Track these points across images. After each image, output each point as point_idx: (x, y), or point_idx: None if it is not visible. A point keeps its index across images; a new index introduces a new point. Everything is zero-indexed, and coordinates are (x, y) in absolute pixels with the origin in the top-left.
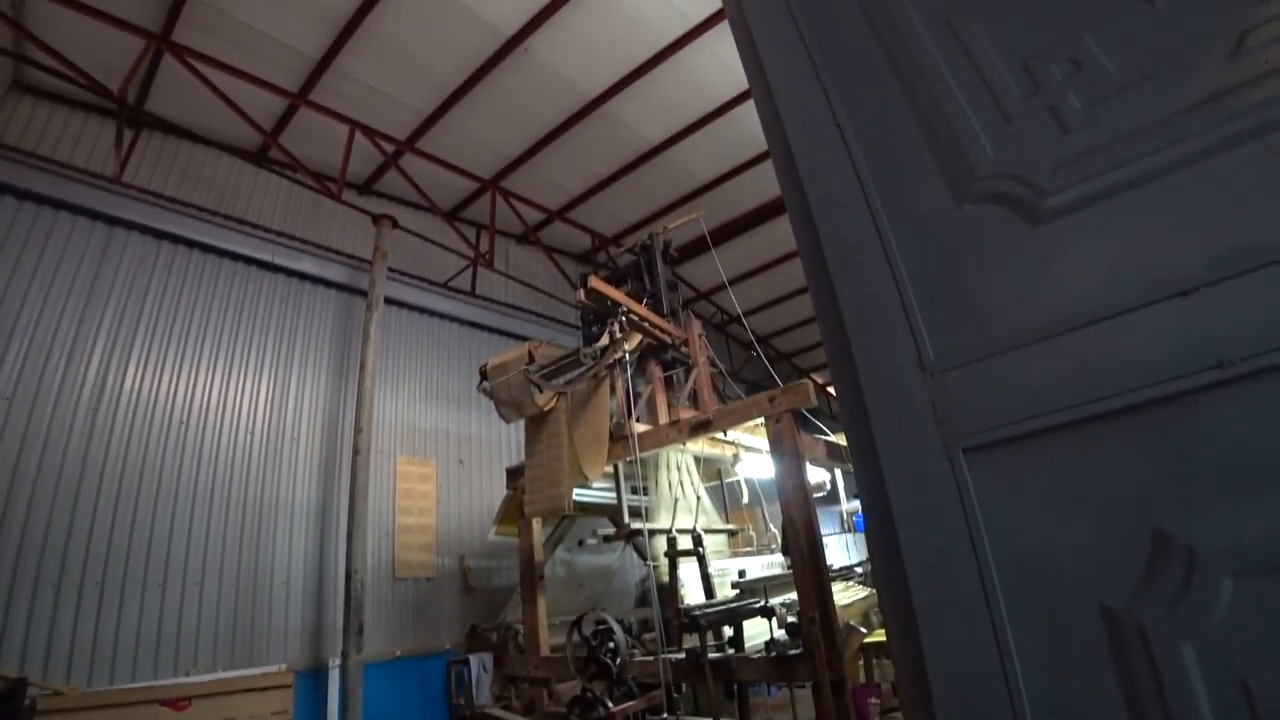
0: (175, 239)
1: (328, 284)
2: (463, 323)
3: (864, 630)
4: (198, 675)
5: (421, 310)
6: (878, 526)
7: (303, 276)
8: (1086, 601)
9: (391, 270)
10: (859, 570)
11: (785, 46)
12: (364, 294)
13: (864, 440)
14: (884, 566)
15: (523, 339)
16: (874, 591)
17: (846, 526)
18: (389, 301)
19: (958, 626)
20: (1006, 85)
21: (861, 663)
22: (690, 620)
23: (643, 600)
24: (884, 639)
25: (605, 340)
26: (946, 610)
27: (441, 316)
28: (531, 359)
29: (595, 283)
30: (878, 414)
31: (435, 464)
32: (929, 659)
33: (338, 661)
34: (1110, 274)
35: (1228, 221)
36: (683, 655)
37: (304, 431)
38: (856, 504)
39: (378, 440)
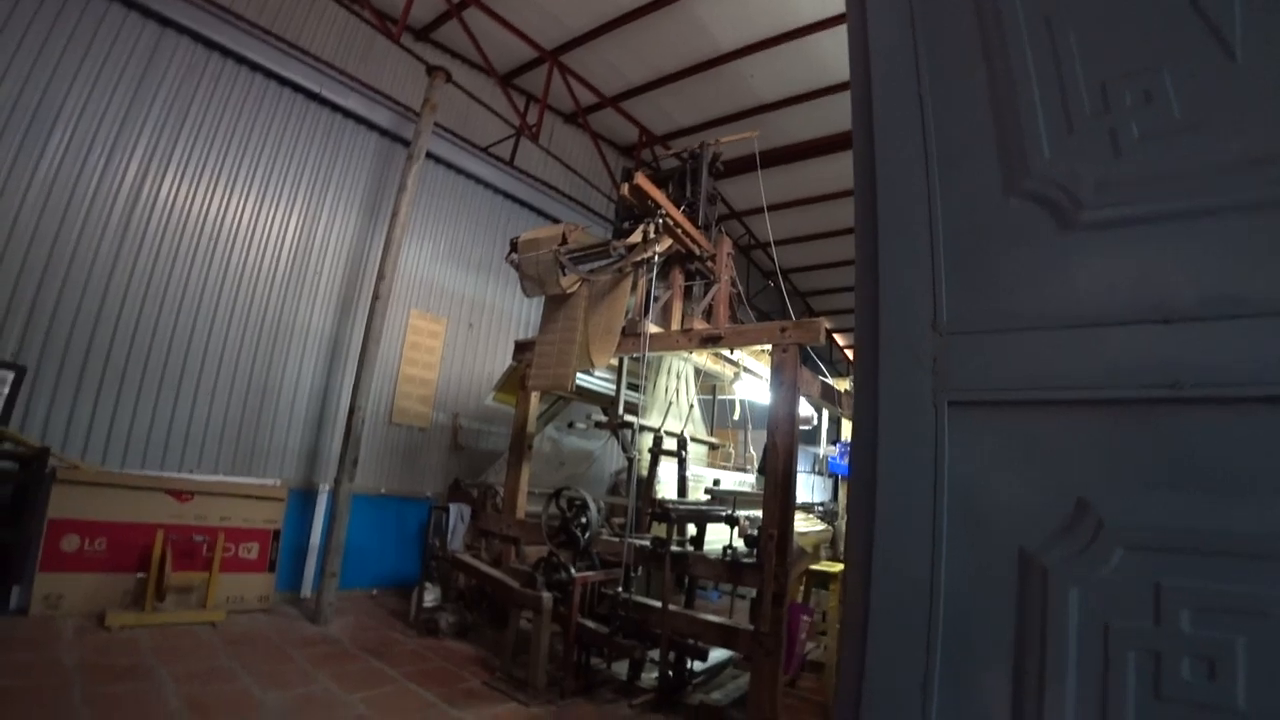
0: (225, 52)
1: (370, 126)
2: (496, 191)
3: (812, 556)
4: (200, 474)
5: (459, 171)
6: (864, 449)
7: (347, 114)
8: (1009, 541)
9: (436, 125)
10: (819, 508)
11: (892, 6)
12: (405, 143)
13: (871, 376)
14: (859, 482)
15: (553, 219)
16: (829, 528)
17: (818, 468)
18: (429, 156)
19: (906, 538)
20: (1081, 98)
21: (803, 586)
22: (663, 511)
23: (614, 490)
24: (828, 569)
25: (637, 238)
26: (900, 525)
27: (477, 181)
28: (565, 241)
29: (640, 180)
30: (888, 357)
31: (446, 323)
32: (875, 561)
33: (328, 487)
34: (1111, 289)
35: (1221, 271)
36: (648, 542)
37: (327, 266)
38: (832, 448)
39: (396, 290)
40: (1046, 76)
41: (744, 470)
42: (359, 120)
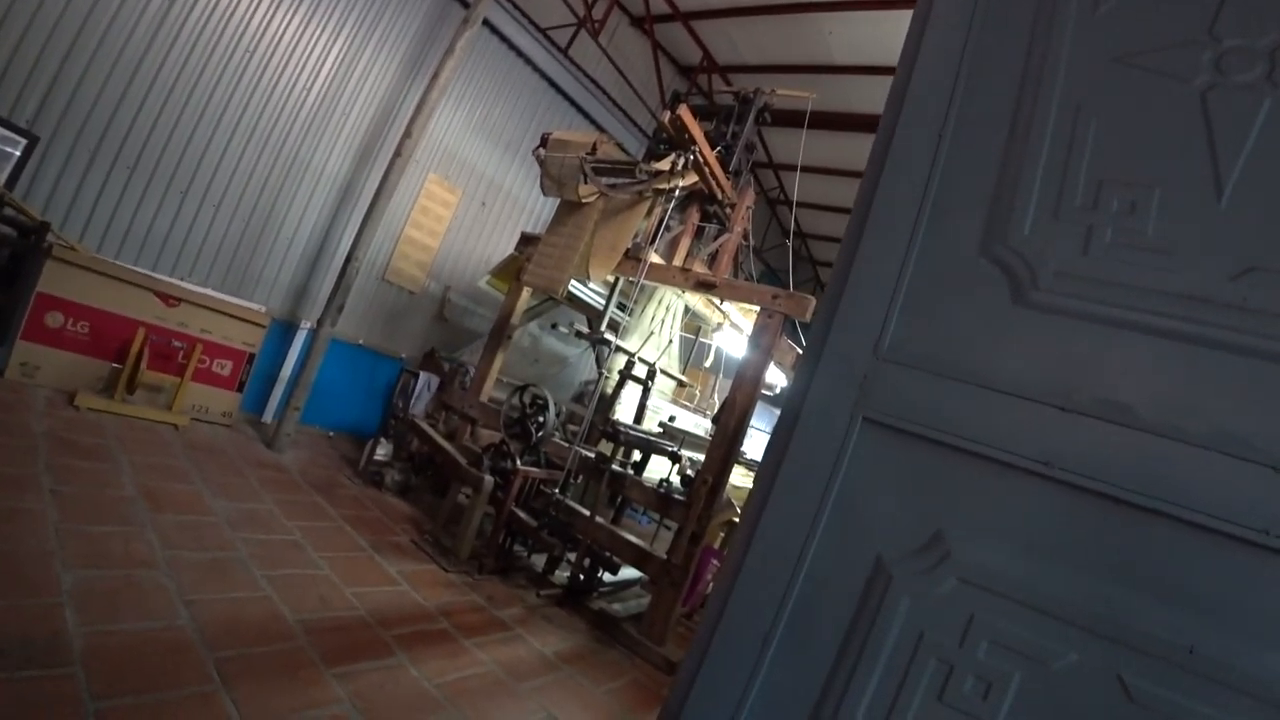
0: None
1: None
2: (544, 77)
3: (738, 510)
4: (190, 283)
5: (511, 46)
6: (782, 432)
7: None
8: (872, 546)
9: None
10: None
11: (947, 39)
12: (464, 3)
13: (809, 374)
14: (768, 460)
15: (594, 121)
16: None
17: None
18: (484, 24)
19: (790, 518)
20: (1076, 190)
21: (723, 534)
22: (614, 431)
23: (578, 399)
24: None
25: (664, 165)
26: (789, 505)
27: (527, 61)
28: (594, 150)
29: (683, 111)
30: (829, 363)
31: (461, 195)
32: (759, 527)
33: (310, 325)
34: (1032, 366)
35: (1123, 381)
36: (593, 455)
37: (356, 110)
38: None
39: (420, 151)
40: (1055, 159)
41: (702, 414)
42: None
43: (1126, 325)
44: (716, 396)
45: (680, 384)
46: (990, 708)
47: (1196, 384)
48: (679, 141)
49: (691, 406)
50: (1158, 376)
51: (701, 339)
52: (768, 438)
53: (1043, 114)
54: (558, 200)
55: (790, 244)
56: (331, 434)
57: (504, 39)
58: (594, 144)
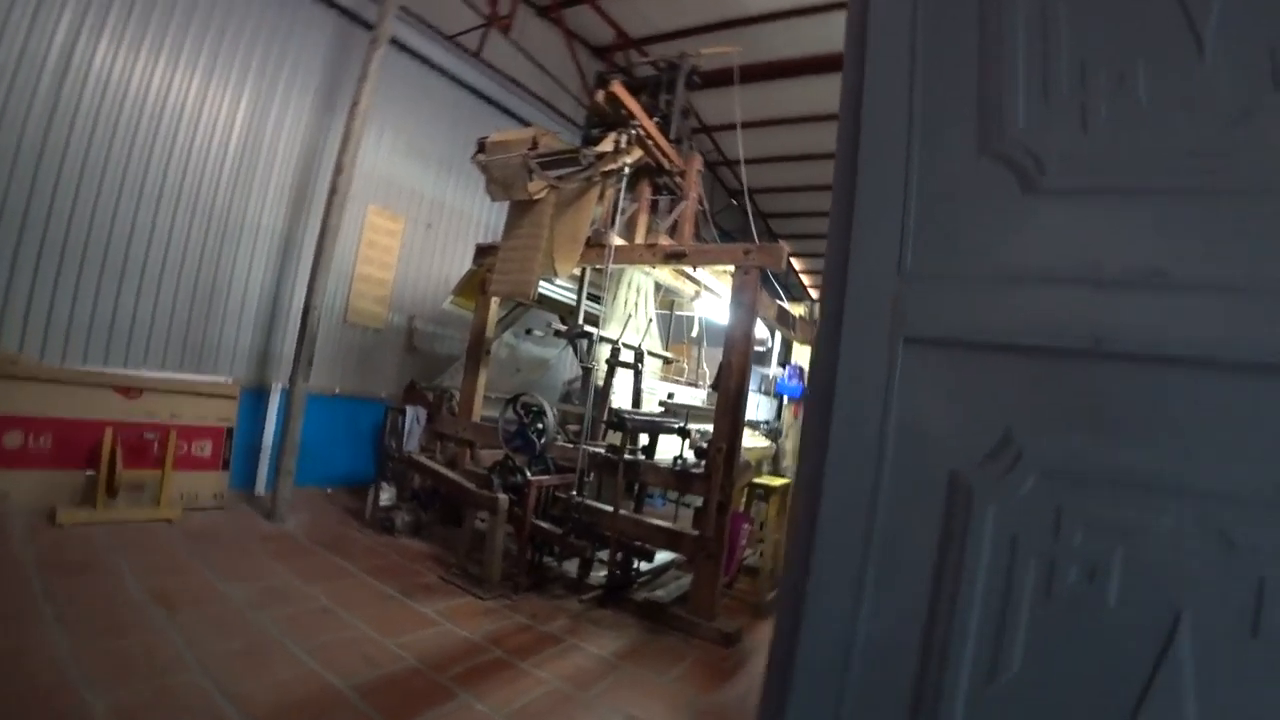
0: None
1: (329, 3)
2: (462, 85)
3: (755, 469)
4: (147, 370)
5: (423, 60)
6: (824, 374)
7: None
8: (943, 463)
9: (401, 9)
10: (765, 425)
11: None
12: (366, 25)
13: (836, 310)
14: (816, 403)
15: (519, 119)
16: (772, 445)
17: (765, 389)
18: (391, 42)
19: (854, 456)
20: (1060, 73)
21: (745, 497)
22: (619, 420)
23: (566, 398)
24: (769, 483)
25: (607, 146)
26: (851, 444)
27: (442, 73)
28: (535, 145)
29: (617, 88)
30: (854, 294)
31: (405, 221)
32: (826, 474)
33: (281, 386)
34: (1058, 251)
35: (1150, 245)
36: (602, 449)
37: (280, 156)
38: (781, 370)
39: (354, 185)
40: (1033, 48)
41: (695, 386)
42: None
43: (1139, 192)
44: (706, 366)
45: (666, 361)
46: (1098, 589)
47: (1220, 234)
48: (617, 119)
49: (684, 380)
50: (1180, 235)
51: (678, 312)
52: (807, 386)
53: (1010, 7)
54: (507, 204)
55: (748, 201)
56: (329, 490)
57: (414, 54)
58: (533, 139)
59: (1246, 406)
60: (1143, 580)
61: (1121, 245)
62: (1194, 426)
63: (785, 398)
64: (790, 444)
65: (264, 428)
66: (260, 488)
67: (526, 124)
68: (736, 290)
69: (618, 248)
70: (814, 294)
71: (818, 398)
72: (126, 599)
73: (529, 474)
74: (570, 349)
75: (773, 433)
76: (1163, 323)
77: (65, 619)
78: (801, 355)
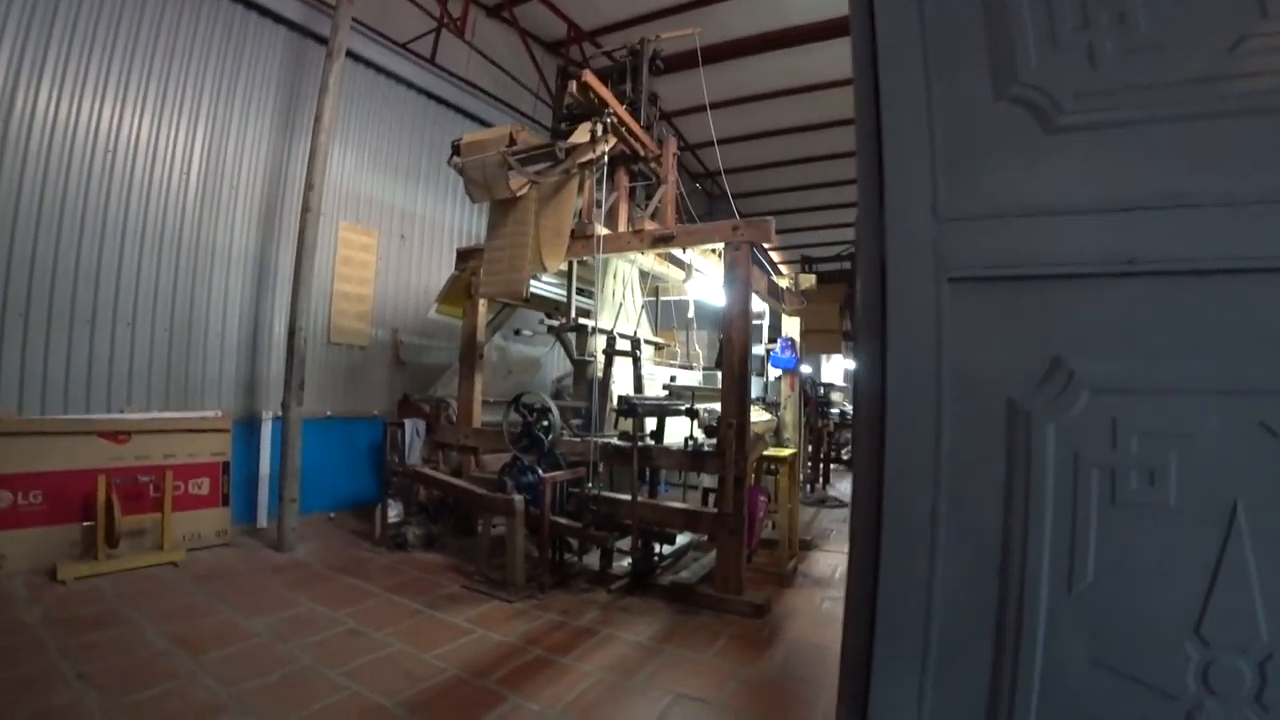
0: None
1: (278, 19)
2: (420, 92)
3: (764, 442)
4: (132, 413)
5: (379, 70)
6: (872, 321)
7: (249, 4)
8: (999, 392)
9: (354, 20)
10: (763, 399)
11: None
12: (317, 38)
13: (877, 259)
14: (866, 351)
15: (481, 121)
16: (773, 418)
17: (757, 369)
18: (347, 55)
19: (913, 397)
20: (1064, 14)
21: (754, 471)
22: (629, 407)
23: (558, 395)
24: (778, 454)
25: (583, 137)
26: (908, 386)
27: (398, 80)
28: (513, 141)
29: (589, 77)
30: (894, 241)
31: (378, 235)
32: (888, 416)
33: (272, 414)
34: (1083, 183)
35: (1165, 170)
36: (611, 439)
37: (244, 180)
38: (773, 345)
39: (325, 203)
40: None
41: (691, 368)
42: (264, 12)
43: (1151, 121)
44: (697, 346)
45: (658, 346)
46: (1159, 492)
47: (1231, 155)
48: (590, 109)
49: (677, 363)
50: (1195, 158)
51: (664, 297)
52: (855, 335)
53: None
54: (481, 208)
55: (721, 185)
56: (332, 515)
57: (370, 64)
58: (510, 135)
59: (1271, 308)
60: (1198, 478)
61: (1141, 171)
62: (1226, 331)
63: (783, 371)
64: (789, 415)
65: (259, 458)
66: (263, 519)
67: (486, 124)
68: (729, 266)
69: (605, 237)
70: (784, 269)
71: (868, 345)
72: (147, 648)
73: (541, 472)
74: (560, 345)
75: (771, 406)
76: (1186, 238)
77: (89, 676)
78: (790, 327)
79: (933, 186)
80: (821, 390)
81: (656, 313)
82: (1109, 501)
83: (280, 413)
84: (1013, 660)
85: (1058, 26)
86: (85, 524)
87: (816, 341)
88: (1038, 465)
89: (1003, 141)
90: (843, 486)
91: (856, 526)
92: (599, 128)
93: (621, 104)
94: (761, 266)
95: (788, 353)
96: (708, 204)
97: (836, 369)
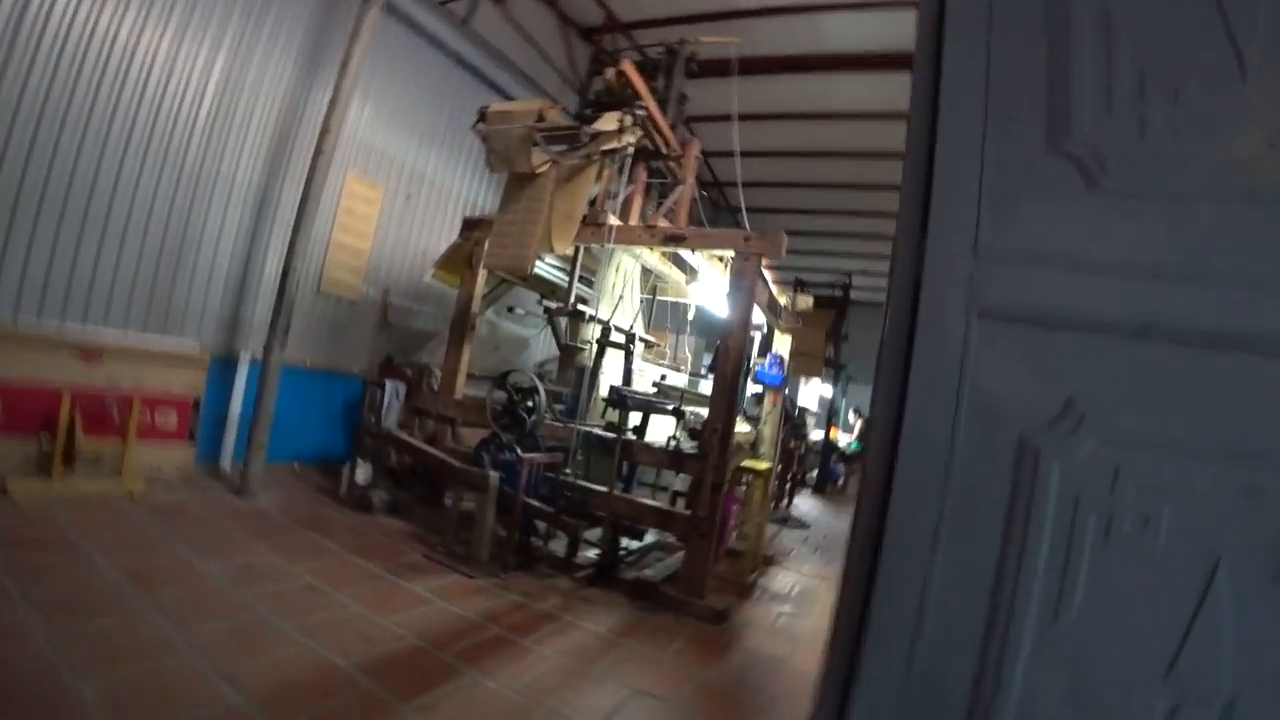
0: None
1: None
2: (449, 55)
3: (746, 452)
4: (107, 328)
5: (411, 24)
6: (898, 345)
7: None
8: (1013, 428)
9: None
10: (744, 412)
11: None
12: None
13: (911, 286)
14: (888, 374)
15: (504, 94)
16: (753, 430)
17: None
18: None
19: (931, 420)
20: (1123, 83)
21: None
22: (619, 398)
23: (539, 378)
24: (756, 466)
25: (611, 125)
26: (927, 410)
27: (429, 39)
28: (542, 118)
29: (628, 67)
30: (932, 273)
31: (384, 192)
32: (903, 436)
33: (250, 356)
34: (1117, 243)
35: (1194, 243)
36: (595, 428)
37: (258, 113)
38: (761, 359)
39: (336, 149)
40: (1097, 56)
41: (678, 370)
42: None
43: (1190, 196)
44: (689, 352)
45: (648, 344)
46: (1150, 536)
47: (1258, 238)
48: (621, 99)
49: (668, 363)
50: (1224, 236)
51: (660, 297)
52: (881, 352)
53: (1078, 19)
54: (491, 180)
55: (734, 198)
56: (296, 467)
57: (402, 17)
58: (540, 111)
59: (1273, 381)
60: (1187, 531)
61: (1172, 241)
62: (1226, 399)
63: (766, 385)
64: (769, 430)
65: (230, 399)
66: (227, 462)
67: (510, 99)
68: (737, 275)
69: (617, 228)
70: (775, 289)
71: (890, 365)
72: (98, 577)
73: (519, 451)
74: (550, 329)
75: (751, 419)
76: (1205, 310)
77: (33, 598)
78: (781, 345)
79: (976, 225)
80: (797, 413)
81: (651, 311)
82: (1102, 542)
83: (259, 355)
84: (993, 682)
85: (1114, 93)
86: (43, 440)
87: (798, 364)
88: (1040, 500)
89: (1048, 192)
90: (805, 508)
91: (857, 534)
92: (628, 119)
93: (652, 100)
94: (763, 280)
95: (775, 369)
96: (712, 213)
97: (813, 394)
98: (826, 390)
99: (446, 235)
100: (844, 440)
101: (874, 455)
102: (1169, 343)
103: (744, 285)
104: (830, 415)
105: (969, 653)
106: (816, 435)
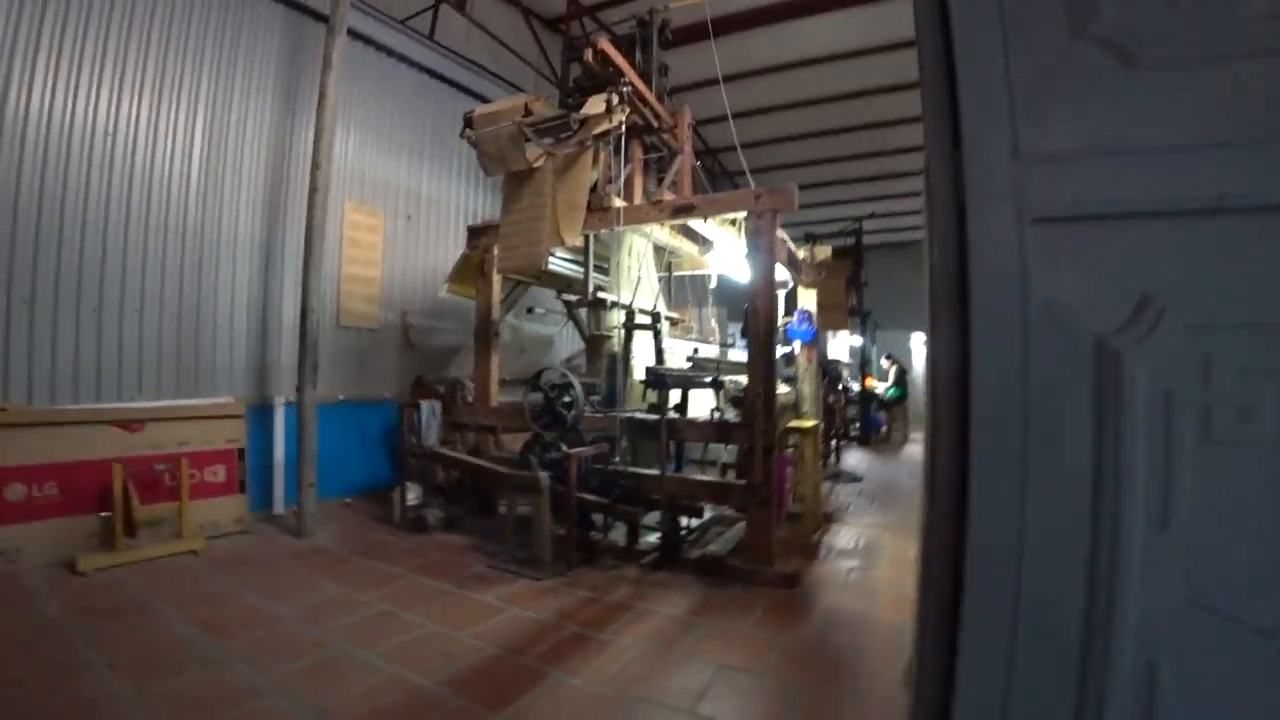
0: None
1: None
2: (421, 69)
3: (792, 413)
4: (142, 399)
5: (379, 47)
6: (950, 267)
7: None
8: (1087, 332)
9: None
10: (782, 372)
11: None
12: (315, 15)
13: (955, 205)
14: (945, 301)
15: (482, 99)
16: (791, 390)
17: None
18: (347, 33)
19: (1000, 338)
20: None
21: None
22: (657, 379)
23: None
24: (802, 425)
25: (599, 107)
26: (994, 329)
27: (399, 58)
28: (528, 111)
29: (605, 46)
30: (975, 188)
31: (384, 216)
32: (973, 360)
33: (283, 400)
34: (1167, 120)
35: (1254, 106)
36: (633, 414)
37: (247, 162)
38: (789, 318)
39: (330, 182)
40: None
41: (707, 342)
42: None
43: (1230, 57)
44: (715, 323)
45: (673, 321)
46: (1254, 429)
47: None
48: (604, 80)
49: (696, 337)
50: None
51: (677, 273)
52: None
53: None
54: (488, 187)
55: (742, 157)
56: (348, 500)
57: (370, 42)
58: (525, 106)
59: None
60: None
61: (1228, 108)
62: None
63: (797, 343)
64: (808, 388)
65: (272, 444)
66: (279, 506)
67: (487, 101)
68: (753, 236)
69: (624, 209)
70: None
71: (945, 292)
72: (175, 635)
73: (565, 447)
74: (572, 323)
75: (789, 379)
76: (1277, 174)
77: (118, 665)
78: (806, 299)
79: (1013, 129)
80: (833, 366)
81: (670, 288)
82: (1202, 440)
83: (292, 398)
84: (1106, 601)
85: None
86: (102, 514)
87: (825, 318)
88: (1129, 404)
89: (1084, 81)
90: (853, 462)
91: (936, 477)
92: (615, 98)
93: (635, 74)
94: (780, 236)
95: (804, 325)
96: (711, 183)
97: (843, 346)
98: (855, 340)
99: (454, 248)
100: (880, 388)
101: (943, 386)
102: (1243, 216)
103: (762, 244)
104: (863, 364)
105: (1076, 573)
106: (854, 386)
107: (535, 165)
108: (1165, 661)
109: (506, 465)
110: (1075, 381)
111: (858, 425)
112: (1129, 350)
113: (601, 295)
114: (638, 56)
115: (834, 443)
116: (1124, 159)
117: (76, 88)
